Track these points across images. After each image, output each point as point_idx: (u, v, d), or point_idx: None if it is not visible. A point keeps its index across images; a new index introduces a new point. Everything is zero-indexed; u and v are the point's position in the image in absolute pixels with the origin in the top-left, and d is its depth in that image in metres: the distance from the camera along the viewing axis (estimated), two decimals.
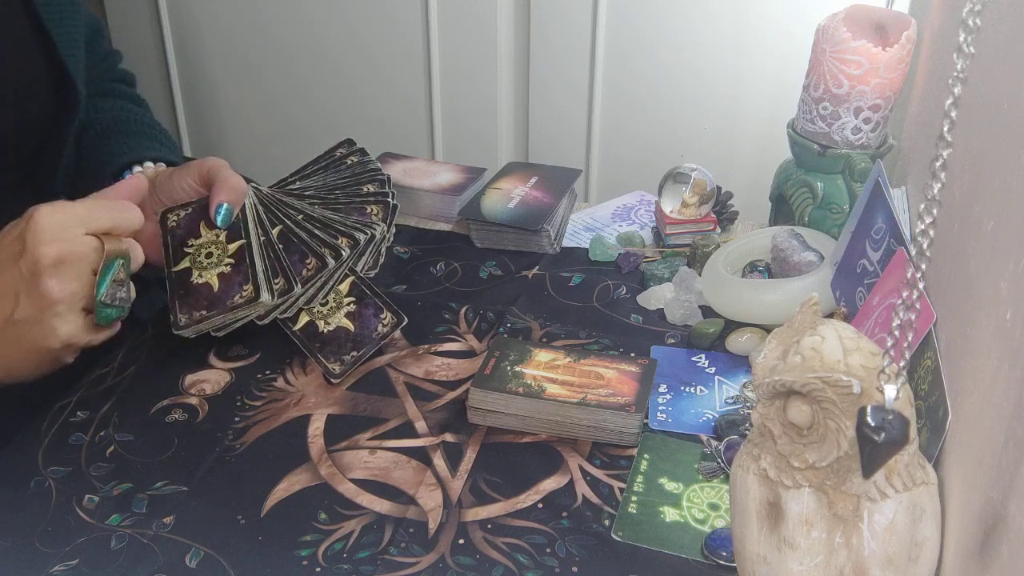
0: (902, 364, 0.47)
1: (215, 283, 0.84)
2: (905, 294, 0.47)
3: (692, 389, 0.83)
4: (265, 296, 0.83)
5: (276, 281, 0.84)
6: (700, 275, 0.96)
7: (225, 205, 0.85)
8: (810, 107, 0.97)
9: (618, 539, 0.68)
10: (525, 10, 1.64)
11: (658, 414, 0.80)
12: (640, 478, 0.73)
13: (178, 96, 1.96)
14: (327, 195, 0.93)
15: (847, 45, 0.91)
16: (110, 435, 0.78)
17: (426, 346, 0.89)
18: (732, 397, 0.82)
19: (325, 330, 0.86)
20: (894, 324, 0.48)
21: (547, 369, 0.81)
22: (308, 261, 0.86)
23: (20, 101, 0.85)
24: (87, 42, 0.93)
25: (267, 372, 0.86)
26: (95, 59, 0.98)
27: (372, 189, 0.95)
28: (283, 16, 1.79)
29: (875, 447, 0.45)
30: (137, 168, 0.91)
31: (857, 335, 0.51)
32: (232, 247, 0.86)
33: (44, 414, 0.80)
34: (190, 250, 0.86)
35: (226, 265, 0.85)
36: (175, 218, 0.87)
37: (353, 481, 0.73)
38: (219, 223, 0.85)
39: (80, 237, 0.69)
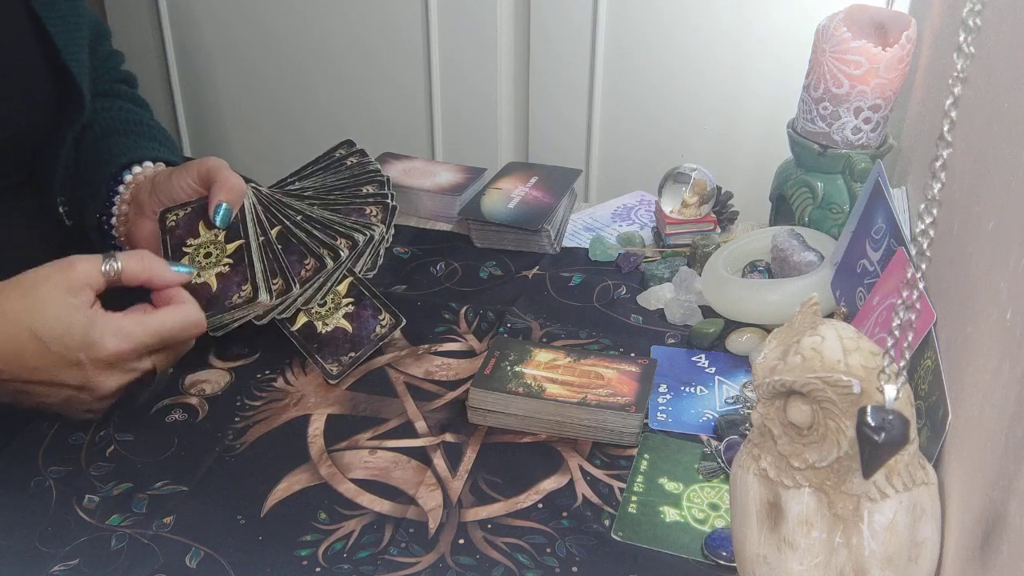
0: (902, 364, 0.47)
1: (213, 283, 0.84)
2: (905, 294, 0.47)
3: (692, 389, 0.83)
4: (263, 296, 0.83)
5: (274, 281, 0.84)
6: (700, 275, 0.96)
7: (224, 205, 0.85)
8: (810, 107, 0.97)
9: (618, 539, 0.68)
10: (525, 10, 1.64)
11: (658, 414, 0.80)
12: (640, 478, 0.73)
13: (178, 96, 1.96)
14: (326, 196, 0.93)
15: (847, 45, 0.91)
16: (110, 435, 0.78)
17: (426, 346, 0.89)
18: (732, 397, 0.82)
19: (323, 331, 0.86)
20: (894, 324, 0.48)
21: (547, 369, 0.81)
22: (307, 262, 0.85)
23: (24, 107, 0.85)
24: (90, 45, 0.93)
25: (267, 372, 0.86)
26: (97, 60, 0.97)
27: (371, 190, 0.94)
28: (283, 16, 1.79)
29: (875, 447, 0.45)
30: (136, 168, 0.91)
31: (857, 335, 0.51)
32: (231, 247, 0.85)
33: (44, 414, 0.80)
34: (189, 250, 0.85)
35: (224, 265, 0.85)
36: (174, 218, 0.87)
37: (353, 481, 0.73)
38: (218, 223, 0.85)
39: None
